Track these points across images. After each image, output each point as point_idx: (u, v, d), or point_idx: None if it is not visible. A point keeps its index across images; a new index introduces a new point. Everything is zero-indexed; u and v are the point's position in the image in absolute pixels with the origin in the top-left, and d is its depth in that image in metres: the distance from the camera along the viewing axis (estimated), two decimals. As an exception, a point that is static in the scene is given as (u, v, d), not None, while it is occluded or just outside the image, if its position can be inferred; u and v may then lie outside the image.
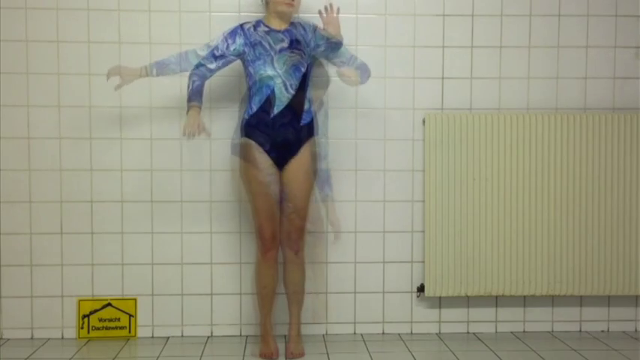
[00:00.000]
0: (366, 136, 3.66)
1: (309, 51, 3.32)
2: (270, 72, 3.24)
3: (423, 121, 3.65)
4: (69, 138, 3.59)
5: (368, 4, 3.65)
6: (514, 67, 3.70)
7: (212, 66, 3.29)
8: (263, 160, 3.25)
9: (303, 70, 3.28)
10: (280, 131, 3.24)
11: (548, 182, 3.63)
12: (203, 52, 3.29)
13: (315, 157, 3.36)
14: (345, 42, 3.49)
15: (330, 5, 3.47)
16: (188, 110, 3.24)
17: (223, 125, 3.60)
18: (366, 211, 3.68)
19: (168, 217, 3.63)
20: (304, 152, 3.29)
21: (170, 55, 3.35)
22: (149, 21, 3.59)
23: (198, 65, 3.29)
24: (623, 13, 3.72)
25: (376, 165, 3.68)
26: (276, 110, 3.24)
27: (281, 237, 3.32)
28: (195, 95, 3.27)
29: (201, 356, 3.37)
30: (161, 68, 3.33)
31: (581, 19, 3.71)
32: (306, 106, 3.30)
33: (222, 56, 3.29)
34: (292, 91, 3.25)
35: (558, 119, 3.63)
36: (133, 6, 3.58)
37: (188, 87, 3.28)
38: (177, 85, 3.58)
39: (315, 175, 3.39)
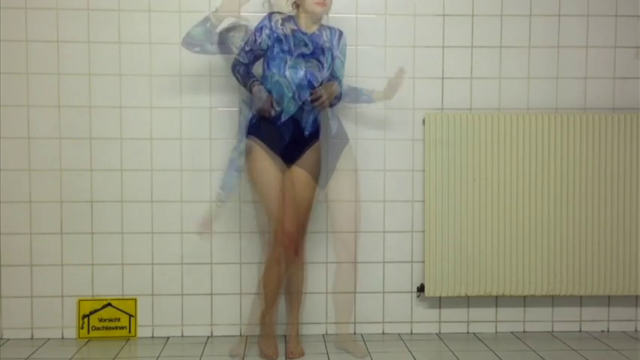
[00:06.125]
0: (366, 136, 3.67)
1: (330, 60, 3.29)
2: (282, 79, 3.22)
3: (423, 121, 3.65)
4: (69, 138, 3.59)
5: (368, 4, 3.65)
6: (514, 67, 3.70)
7: (246, 61, 3.28)
8: (268, 161, 3.26)
9: (316, 84, 3.24)
10: (285, 137, 3.25)
11: (548, 182, 3.63)
12: (239, 56, 3.30)
13: (319, 159, 3.36)
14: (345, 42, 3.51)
15: (402, 70, 3.47)
16: (251, 87, 3.22)
17: (223, 125, 3.60)
18: (366, 211, 3.68)
19: (168, 217, 3.63)
20: (309, 154, 3.30)
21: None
22: (149, 21, 3.59)
23: (236, 62, 3.30)
24: (623, 13, 3.72)
25: (376, 165, 3.68)
26: (283, 118, 3.24)
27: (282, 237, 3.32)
28: (247, 76, 3.26)
29: (201, 356, 3.37)
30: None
31: (581, 19, 3.71)
32: (312, 115, 3.29)
33: (251, 50, 3.26)
34: (300, 103, 3.24)
35: (558, 119, 3.63)
36: (133, 6, 3.58)
37: (238, 78, 3.29)
38: (177, 84, 3.58)
39: (319, 176, 3.39)
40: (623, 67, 3.73)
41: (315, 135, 3.32)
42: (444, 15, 3.68)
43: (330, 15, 3.55)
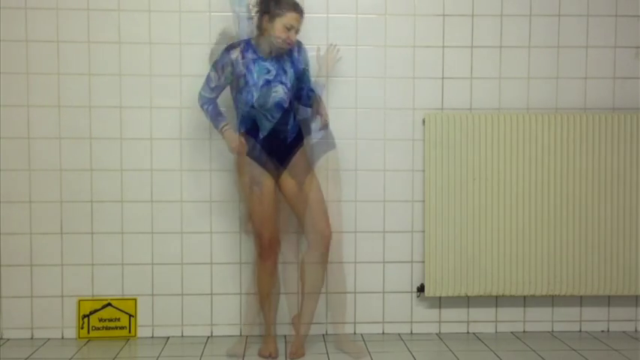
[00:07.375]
0: (366, 136, 3.66)
1: (295, 79, 3.30)
2: (251, 109, 3.24)
3: (423, 121, 3.65)
4: (69, 138, 3.59)
5: (368, 4, 3.65)
6: (514, 67, 3.70)
7: (212, 96, 3.30)
8: (257, 171, 3.27)
9: (286, 105, 3.27)
10: (270, 149, 3.27)
11: (548, 182, 3.63)
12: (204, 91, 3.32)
13: (308, 160, 3.40)
14: (345, 42, 3.51)
15: (334, 47, 3.54)
16: (222, 132, 3.27)
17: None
18: (366, 211, 3.68)
19: (168, 217, 3.63)
20: (298, 159, 3.33)
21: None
22: (149, 21, 3.59)
23: (201, 97, 3.31)
24: (623, 13, 3.72)
25: (376, 165, 3.68)
26: (261, 135, 3.27)
27: (306, 238, 3.35)
28: (217, 117, 3.30)
29: (201, 356, 3.37)
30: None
31: (581, 19, 3.71)
32: (290, 124, 3.30)
33: (216, 87, 3.28)
34: (274, 120, 3.26)
35: (558, 119, 3.63)
36: (133, 6, 3.58)
37: (206, 116, 3.32)
38: (177, 84, 3.58)
39: (313, 171, 3.41)
40: (623, 67, 3.73)
41: (298, 139, 3.35)
42: (444, 15, 3.68)
43: (330, 15, 3.57)
